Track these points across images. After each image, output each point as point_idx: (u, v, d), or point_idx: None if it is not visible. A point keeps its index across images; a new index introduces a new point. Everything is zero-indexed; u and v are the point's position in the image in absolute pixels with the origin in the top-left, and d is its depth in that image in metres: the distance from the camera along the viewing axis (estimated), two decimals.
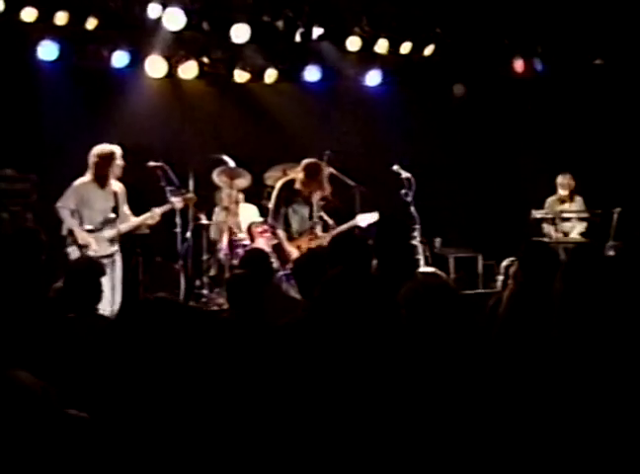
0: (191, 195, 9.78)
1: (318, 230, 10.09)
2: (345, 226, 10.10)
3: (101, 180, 9.09)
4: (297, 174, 10.02)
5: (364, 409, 3.33)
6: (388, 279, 4.68)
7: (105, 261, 8.75)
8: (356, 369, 3.54)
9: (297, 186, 9.98)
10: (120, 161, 9.17)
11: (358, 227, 9.96)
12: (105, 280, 8.59)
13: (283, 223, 10.02)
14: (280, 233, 9.99)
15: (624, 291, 3.69)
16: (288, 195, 10.01)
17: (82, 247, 8.87)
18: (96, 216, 9.06)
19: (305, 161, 10.00)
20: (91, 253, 8.74)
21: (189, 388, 3.40)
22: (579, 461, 3.23)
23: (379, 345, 3.67)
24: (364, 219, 10.02)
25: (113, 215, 9.10)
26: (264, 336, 5.06)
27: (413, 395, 3.32)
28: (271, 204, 10.13)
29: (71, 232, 8.92)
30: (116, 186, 9.21)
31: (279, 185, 10.14)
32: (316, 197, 10.05)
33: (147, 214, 9.37)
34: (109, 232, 9.09)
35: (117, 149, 9.16)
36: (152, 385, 3.41)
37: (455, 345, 3.47)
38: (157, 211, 9.39)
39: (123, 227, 9.20)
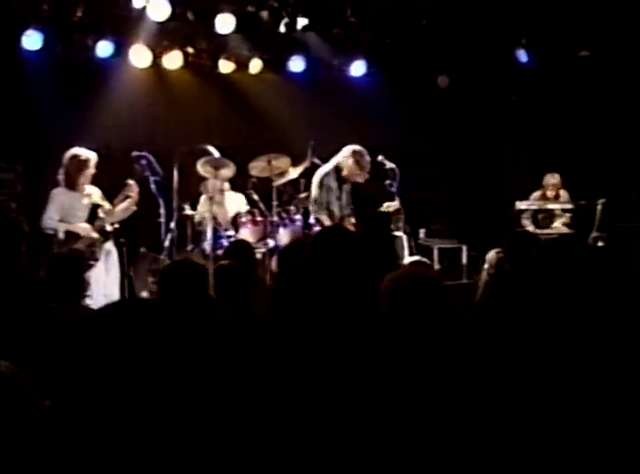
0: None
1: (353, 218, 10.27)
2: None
3: (72, 185, 9.12)
4: (345, 160, 10.15)
5: (347, 401, 3.34)
6: (369, 271, 4.69)
7: (98, 252, 8.90)
8: (334, 360, 3.54)
9: (345, 172, 10.15)
10: (92, 169, 9.17)
11: None
12: (100, 272, 8.81)
13: (326, 209, 10.18)
14: (325, 219, 10.15)
15: (605, 282, 3.71)
16: (332, 182, 10.16)
17: (85, 238, 8.99)
18: (79, 219, 9.13)
19: (352, 147, 10.17)
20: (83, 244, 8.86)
21: (172, 379, 3.39)
22: (559, 452, 3.24)
23: (357, 336, 3.68)
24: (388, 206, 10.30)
25: (98, 203, 9.17)
26: (249, 327, 5.07)
27: (395, 385, 3.32)
28: (313, 192, 10.26)
29: (69, 233, 8.97)
30: (90, 189, 9.23)
31: (321, 173, 10.25)
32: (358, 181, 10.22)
33: (124, 191, 9.36)
34: (98, 223, 9.14)
35: (92, 156, 9.18)
36: (134, 378, 3.41)
37: (437, 336, 3.46)
38: (130, 181, 9.38)
39: (114, 217, 9.25)
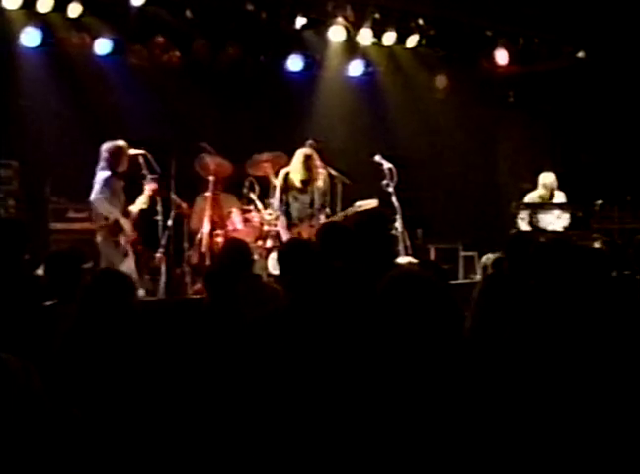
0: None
1: (322, 218, 10.05)
2: (342, 214, 10.23)
3: (119, 174, 9.41)
4: (294, 164, 10.00)
5: (344, 400, 3.35)
6: (367, 270, 4.71)
7: None
8: (335, 360, 3.55)
9: (292, 175, 9.99)
10: (127, 157, 9.49)
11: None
12: None
13: (285, 211, 10.04)
14: (281, 220, 10.05)
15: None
16: (290, 183, 10.01)
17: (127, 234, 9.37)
18: (120, 206, 9.44)
19: (297, 151, 10.00)
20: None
21: (169, 378, 3.41)
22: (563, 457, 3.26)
23: (359, 335, 3.69)
24: (363, 206, 10.15)
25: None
26: (241, 326, 5.07)
27: (391, 385, 3.33)
28: (276, 193, 10.14)
29: (116, 222, 9.30)
30: None
31: (282, 174, 10.08)
32: (317, 185, 10.05)
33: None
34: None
35: (124, 144, 9.47)
36: (130, 373, 3.42)
37: (434, 336, 3.47)
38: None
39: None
